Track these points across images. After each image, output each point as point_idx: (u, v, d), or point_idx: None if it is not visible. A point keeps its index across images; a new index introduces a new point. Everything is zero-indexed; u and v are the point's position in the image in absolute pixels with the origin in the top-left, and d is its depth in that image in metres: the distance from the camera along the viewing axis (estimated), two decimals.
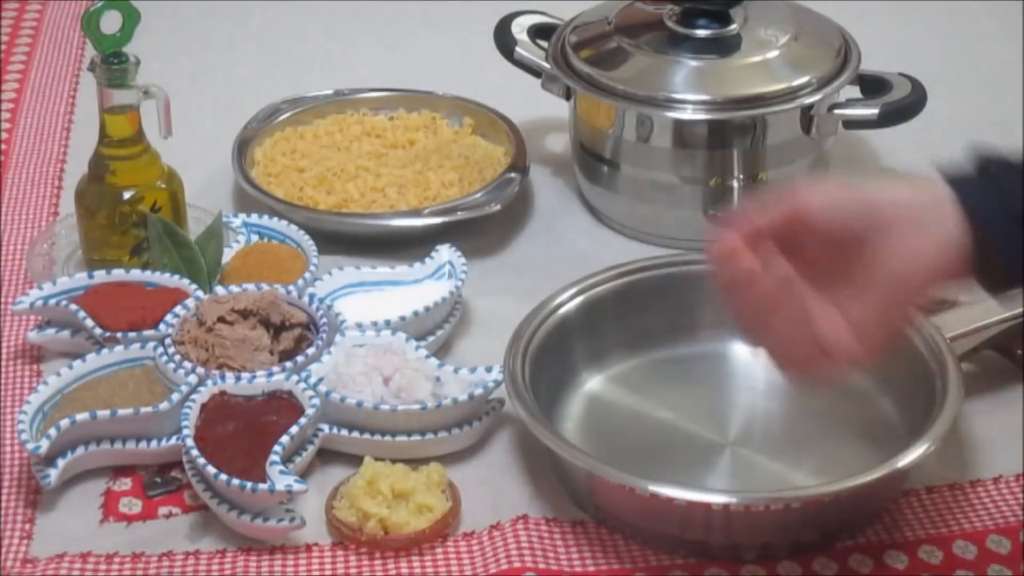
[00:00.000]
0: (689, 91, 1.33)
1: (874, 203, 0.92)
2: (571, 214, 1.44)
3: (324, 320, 1.20)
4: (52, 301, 1.23)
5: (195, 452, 1.08)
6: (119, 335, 1.19)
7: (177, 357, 1.16)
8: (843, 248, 0.93)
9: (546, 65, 1.41)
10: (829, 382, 0.98)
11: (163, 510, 1.10)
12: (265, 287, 1.23)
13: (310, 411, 1.12)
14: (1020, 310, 1.16)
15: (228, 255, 1.30)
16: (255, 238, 1.34)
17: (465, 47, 1.68)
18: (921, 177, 0.94)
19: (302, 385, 1.14)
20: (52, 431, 1.08)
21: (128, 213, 1.27)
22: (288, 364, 1.16)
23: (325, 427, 1.13)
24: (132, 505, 1.11)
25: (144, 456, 1.13)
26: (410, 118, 1.52)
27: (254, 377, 1.15)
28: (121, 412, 1.11)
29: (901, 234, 0.92)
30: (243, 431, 1.11)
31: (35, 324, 1.25)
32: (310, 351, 1.18)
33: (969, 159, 0.94)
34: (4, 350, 1.25)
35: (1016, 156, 0.94)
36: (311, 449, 1.12)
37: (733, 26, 1.37)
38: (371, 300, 1.26)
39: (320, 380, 1.15)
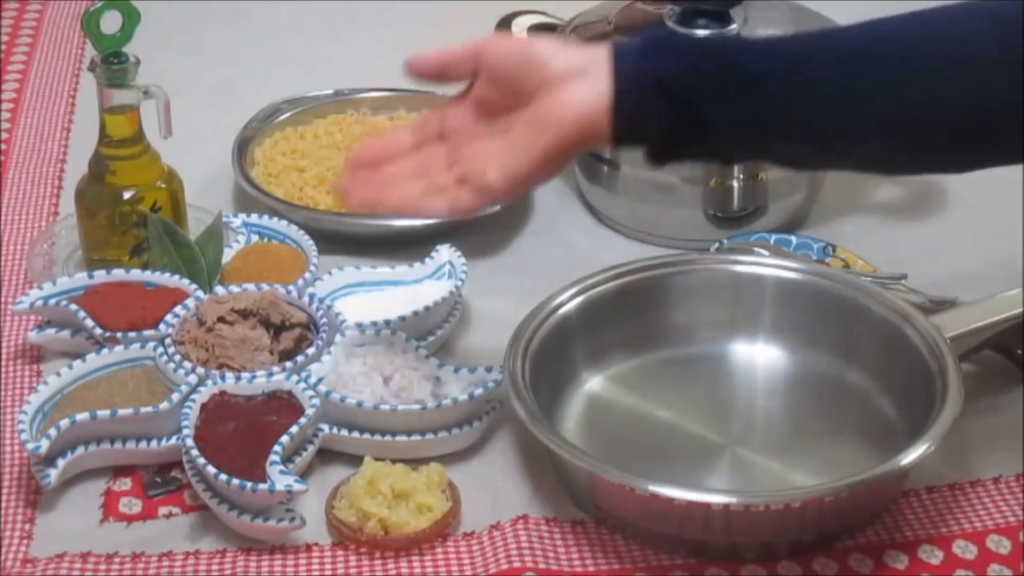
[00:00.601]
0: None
1: (544, 58, 1.03)
2: (571, 214, 1.44)
3: (324, 320, 1.20)
4: (52, 301, 1.23)
5: (195, 452, 1.08)
6: (119, 335, 1.19)
7: (177, 357, 1.16)
8: (510, 91, 1.04)
9: None
10: (463, 214, 1.06)
11: (163, 510, 1.10)
12: (265, 287, 1.23)
13: (310, 411, 1.12)
14: (1020, 310, 1.16)
15: (228, 255, 1.30)
16: (255, 238, 1.34)
17: None
18: (591, 46, 1.05)
19: (302, 385, 1.14)
20: (52, 431, 1.08)
21: (128, 213, 1.27)
22: (288, 364, 1.16)
23: (325, 427, 1.13)
24: (132, 505, 1.11)
25: (144, 456, 1.13)
26: (410, 118, 1.52)
27: (254, 377, 1.15)
28: (121, 412, 1.11)
29: (560, 86, 1.02)
30: (243, 431, 1.11)
31: (35, 324, 1.25)
32: (310, 351, 1.18)
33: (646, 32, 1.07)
34: (4, 350, 1.25)
35: (683, 33, 1.06)
36: (311, 449, 1.12)
37: (733, 26, 1.37)
38: (371, 300, 1.26)
39: (320, 380, 1.15)
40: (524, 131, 1.04)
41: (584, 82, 1.02)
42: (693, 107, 1.02)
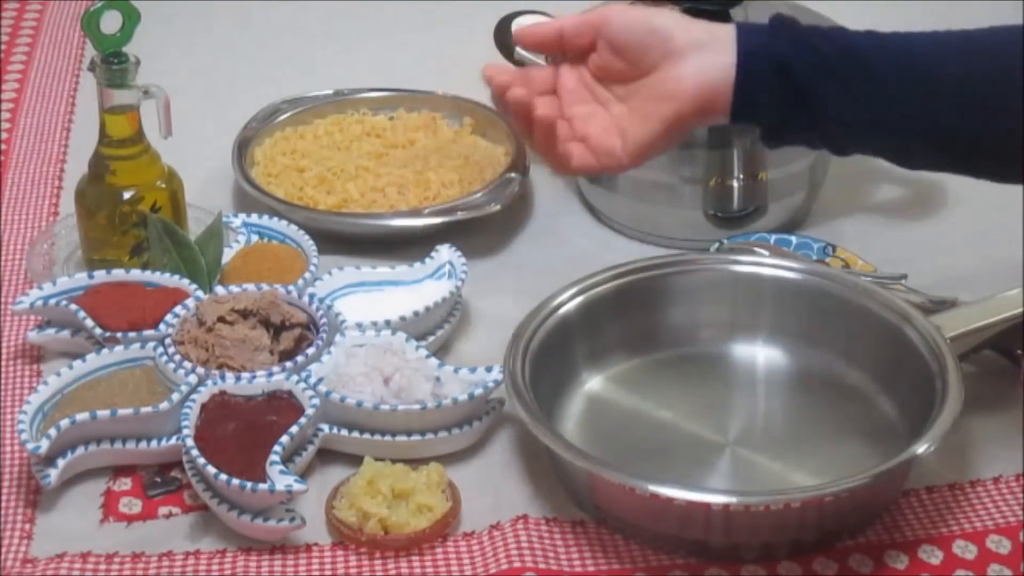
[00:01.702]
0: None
1: (668, 30, 1.05)
2: (571, 214, 1.44)
3: (324, 320, 1.20)
4: (52, 301, 1.23)
5: (195, 452, 1.08)
6: (119, 335, 1.19)
7: (177, 357, 1.16)
8: (632, 61, 1.06)
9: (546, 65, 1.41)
10: (585, 173, 1.11)
11: (163, 510, 1.10)
12: (265, 287, 1.23)
13: (310, 411, 1.12)
14: (1020, 310, 1.16)
15: (228, 255, 1.30)
16: (255, 238, 1.34)
17: (465, 47, 1.68)
18: (715, 23, 1.08)
19: (302, 385, 1.14)
20: (52, 431, 1.08)
21: (128, 213, 1.27)
22: (288, 364, 1.16)
23: (325, 427, 1.13)
24: (132, 505, 1.11)
25: (144, 456, 1.13)
26: (410, 118, 1.52)
27: (254, 377, 1.15)
28: (121, 412, 1.11)
29: (683, 59, 1.05)
30: (243, 431, 1.11)
31: (35, 324, 1.25)
32: (310, 351, 1.18)
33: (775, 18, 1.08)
34: (4, 350, 1.25)
35: (812, 23, 1.07)
36: (311, 449, 1.12)
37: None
38: (371, 300, 1.26)
39: (320, 380, 1.15)
40: (645, 101, 1.06)
41: (707, 56, 1.05)
42: (811, 90, 1.04)
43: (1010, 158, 1.05)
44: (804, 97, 1.05)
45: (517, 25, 1.09)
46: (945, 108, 1.04)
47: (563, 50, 1.09)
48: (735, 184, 1.37)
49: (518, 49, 1.44)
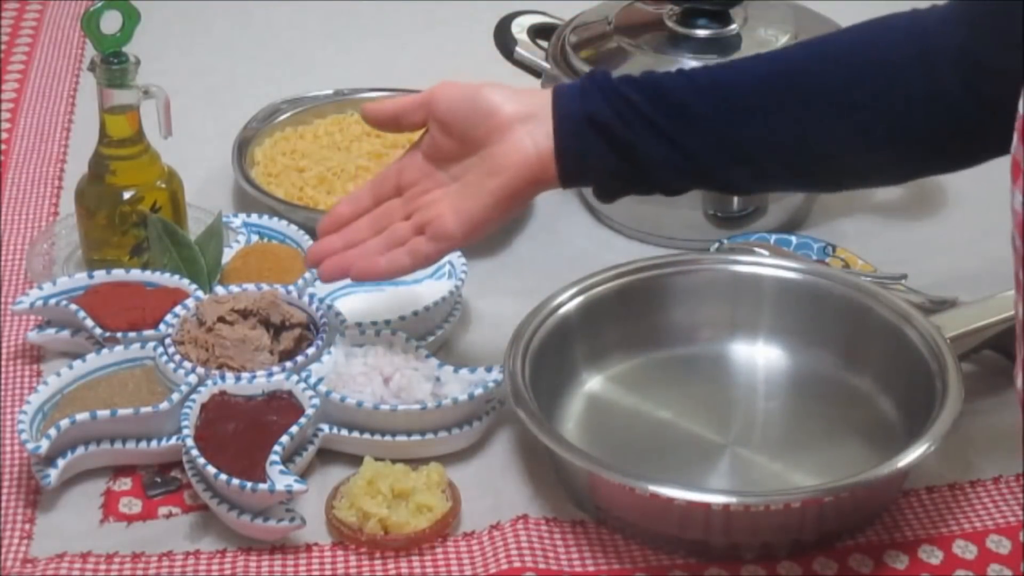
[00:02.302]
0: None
1: (492, 105, 1.08)
2: (571, 214, 1.44)
3: (324, 320, 1.20)
4: (52, 301, 1.23)
5: (195, 452, 1.08)
6: (119, 335, 1.19)
7: (177, 357, 1.16)
8: (461, 138, 1.09)
9: (546, 65, 1.41)
10: (425, 263, 1.11)
11: (163, 510, 1.10)
12: (265, 287, 1.23)
13: (310, 411, 1.12)
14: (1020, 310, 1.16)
15: (228, 255, 1.30)
16: (255, 238, 1.34)
17: (465, 47, 1.68)
18: (537, 90, 1.12)
19: (302, 385, 1.14)
20: (52, 431, 1.08)
21: (128, 213, 1.27)
22: (288, 364, 1.16)
23: (325, 427, 1.13)
24: (132, 505, 1.11)
25: (144, 456, 1.13)
26: None
27: (254, 377, 1.15)
28: (121, 412, 1.11)
29: (508, 132, 1.07)
30: (243, 431, 1.11)
31: (35, 324, 1.25)
32: (310, 351, 1.18)
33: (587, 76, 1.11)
34: (4, 350, 1.25)
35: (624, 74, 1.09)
36: (311, 449, 1.12)
37: (733, 26, 1.37)
38: (371, 300, 1.26)
39: (320, 380, 1.15)
40: (476, 177, 1.08)
41: (531, 126, 1.07)
42: (627, 141, 1.06)
43: (834, 170, 1.10)
44: (622, 148, 1.07)
45: (363, 106, 1.13)
46: (756, 132, 1.07)
47: (400, 129, 1.13)
48: None
49: (518, 49, 1.44)
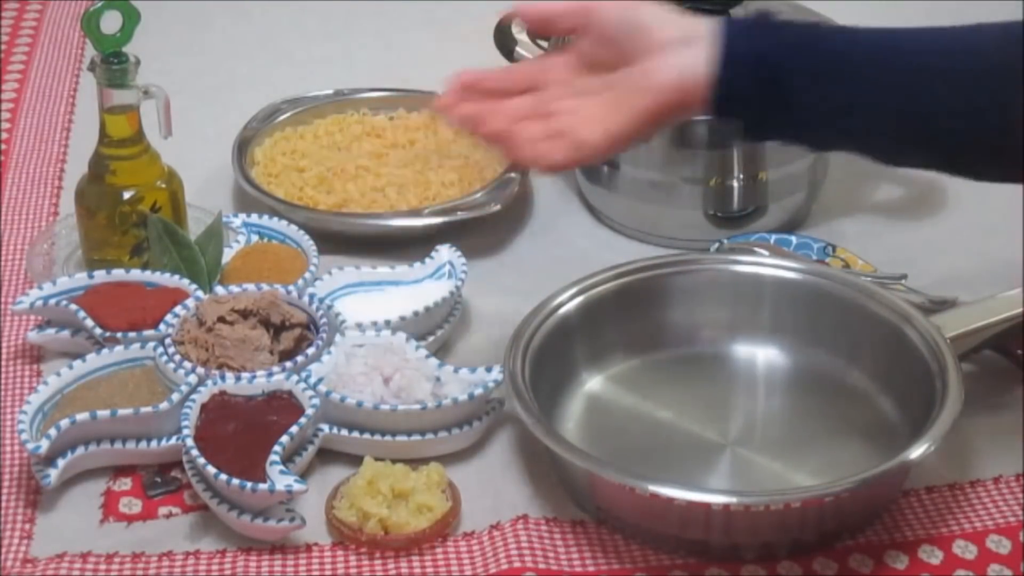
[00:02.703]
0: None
1: (650, 24, 1.06)
2: (571, 214, 1.44)
3: (324, 320, 1.20)
4: (52, 301, 1.23)
5: (195, 452, 1.08)
6: (119, 335, 1.19)
7: (177, 357, 1.16)
8: (616, 52, 1.06)
9: None
10: (553, 168, 1.08)
11: (163, 510, 1.10)
12: (265, 287, 1.23)
13: (310, 411, 1.12)
14: (1020, 310, 1.16)
15: (228, 255, 1.30)
16: (255, 238, 1.34)
17: (465, 47, 1.68)
18: (697, 16, 1.08)
19: (302, 385, 1.14)
20: (52, 431, 1.08)
21: (128, 213, 1.27)
22: (288, 364, 1.16)
23: (325, 427, 1.13)
24: (132, 505, 1.11)
25: (144, 456, 1.13)
26: (410, 118, 1.52)
27: (254, 377, 1.15)
28: (121, 412, 1.11)
29: (663, 52, 1.05)
30: (243, 431, 1.11)
31: (35, 324, 1.25)
32: (310, 351, 1.18)
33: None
34: (4, 350, 1.25)
35: (794, 17, 1.09)
36: (311, 449, 1.12)
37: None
38: (371, 300, 1.26)
39: (320, 380, 1.15)
40: (624, 92, 1.06)
41: (686, 50, 1.05)
42: (785, 85, 1.05)
43: (998, 154, 1.05)
44: (782, 93, 1.05)
45: (518, 4, 1.11)
46: (928, 102, 1.04)
47: (548, 31, 1.12)
48: (735, 184, 1.37)
49: (518, 49, 1.44)
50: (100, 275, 1.25)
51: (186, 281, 1.25)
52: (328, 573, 1.05)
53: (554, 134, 1.06)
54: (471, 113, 1.08)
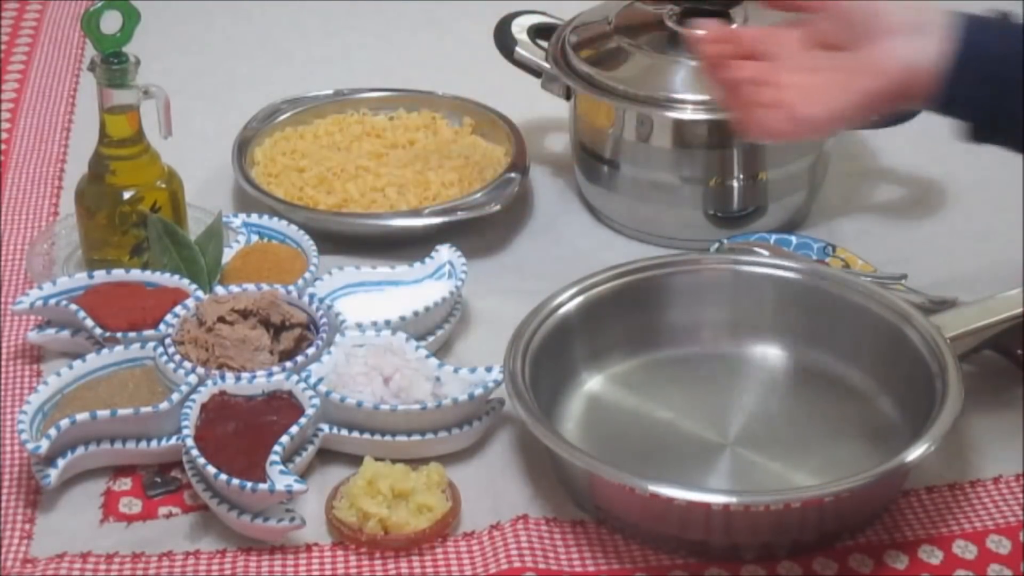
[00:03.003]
0: (689, 91, 1.33)
1: (884, 10, 1.06)
2: (571, 214, 1.44)
3: (324, 320, 1.20)
4: (52, 301, 1.23)
5: (195, 452, 1.08)
6: (119, 335, 1.19)
7: (177, 357, 1.16)
8: (847, 32, 1.06)
9: (546, 65, 1.41)
10: (776, 137, 1.09)
11: (163, 510, 1.10)
12: (265, 287, 1.23)
13: (310, 411, 1.12)
14: (1020, 310, 1.16)
15: (228, 255, 1.30)
16: (255, 238, 1.34)
17: (465, 47, 1.68)
18: (933, 5, 1.07)
19: (302, 385, 1.14)
20: (52, 431, 1.08)
21: (128, 213, 1.27)
22: (288, 364, 1.16)
23: (325, 427, 1.13)
24: (132, 505, 1.11)
25: (144, 456, 1.13)
26: (410, 118, 1.52)
27: (254, 377, 1.15)
28: (121, 412, 1.11)
29: (893, 37, 1.05)
30: (243, 431, 1.11)
31: (35, 324, 1.25)
32: (310, 351, 1.18)
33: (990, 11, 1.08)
34: (4, 350, 1.25)
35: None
36: (311, 449, 1.12)
37: (733, 26, 1.37)
38: (371, 300, 1.26)
39: (320, 380, 1.15)
40: (850, 72, 1.06)
41: (919, 39, 1.04)
42: (1014, 91, 1.04)
43: None
44: (1007, 95, 1.04)
45: None
46: None
47: (792, 7, 1.11)
48: (735, 184, 1.37)
49: (518, 49, 1.44)
50: (100, 275, 1.25)
51: (186, 281, 1.25)
52: (328, 573, 1.05)
53: (776, 103, 1.06)
54: (720, 52, 1.08)
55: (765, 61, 1.08)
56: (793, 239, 1.35)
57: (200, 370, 1.15)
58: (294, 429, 1.09)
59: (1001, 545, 1.06)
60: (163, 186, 1.28)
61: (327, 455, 1.14)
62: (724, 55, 1.08)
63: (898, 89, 1.05)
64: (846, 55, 1.06)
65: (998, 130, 1.07)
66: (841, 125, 1.08)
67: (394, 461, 1.10)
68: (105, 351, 1.18)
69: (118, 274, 1.26)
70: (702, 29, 1.10)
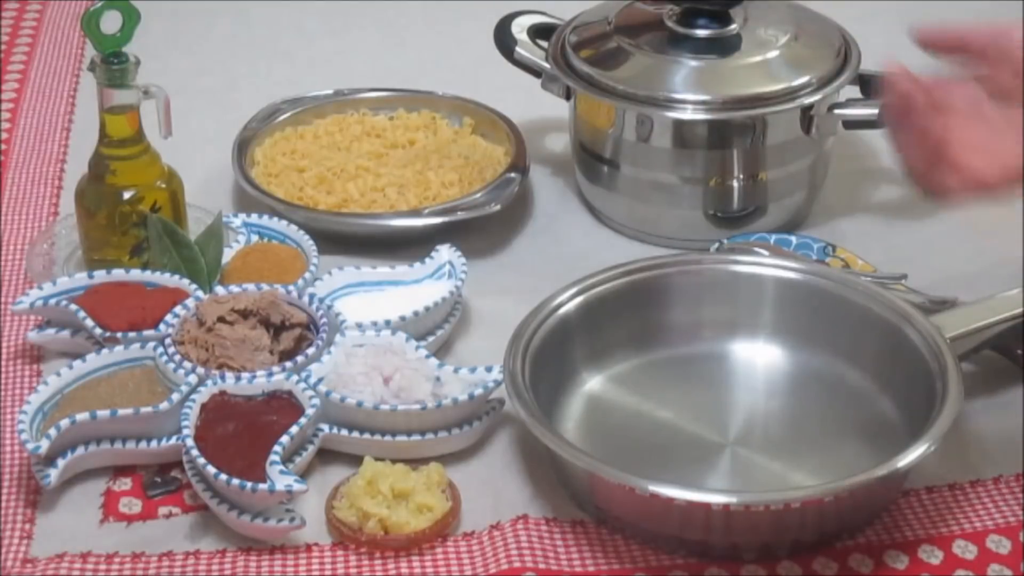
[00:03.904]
0: (689, 91, 1.33)
1: None
2: (571, 214, 1.44)
3: (324, 320, 1.20)
4: (52, 301, 1.23)
5: (195, 452, 1.08)
6: (119, 335, 1.19)
7: (177, 357, 1.16)
8: (1017, 79, 1.01)
9: (546, 65, 1.41)
10: (951, 200, 1.02)
11: (163, 510, 1.10)
12: (265, 287, 1.23)
13: (310, 411, 1.12)
14: (1020, 310, 1.16)
15: (228, 255, 1.30)
16: (255, 238, 1.34)
17: (465, 47, 1.68)
18: None
19: (302, 385, 1.14)
20: (52, 431, 1.08)
21: (128, 213, 1.27)
22: (288, 364, 1.16)
23: (325, 427, 1.13)
24: (132, 505, 1.11)
25: (144, 456, 1.13)
26: (410, 118, 1.52)
27: (254, 377, 1.15)
28: (121, 412, 1.11)
29: None
30: (243, 431, 1.11)
31: (35, 324, 1.25)
32: (310, 351, 1.18)
33: None
34: (4, 350, 1.25)
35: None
36: (311, 449, 1.12)
37: (733, 26, 1.37)
38: (371, 300, 1.26)
39: (320, 380, 1.15)
40: (1014, 121, 1.00)
41: None
42: None
43: None
44: None
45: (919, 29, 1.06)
46: None
47: (963, 53, 1.05)
48: (735, 184, 1.37)
49: (518, 49, 1.44)
50: (100, 275, 1.25)
51: (186, 281, 1.25)
52: (328, 573, 1.05)
53: (955, 165, 1.00)
54: (910, 93, 1.01)
55: (940, 111, 1.01)
56: (793, 239, 1.35)
57: (200, 370, 1.15)
58: (294, 429, 1.09)
59: (1001, 545, 1.06)
60: (163, 186, 1.28)
61: (327, 455, 1.14)
62: (912, 99, 1.01)
63: None
64: (1013, 104, 1.01)
65: None
66: (1018, 181, 1.00)
67: (394, 461, 1.10)
68: (105, 351, 1.18)
69: (118, 274, 1.26)
70: (890, 70, 1.02)
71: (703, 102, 1.33)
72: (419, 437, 1.12)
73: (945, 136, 1.00)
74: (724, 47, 1.37)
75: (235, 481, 1.04)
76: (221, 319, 1.19)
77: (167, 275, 1.25)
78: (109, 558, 1.06)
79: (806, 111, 1.34)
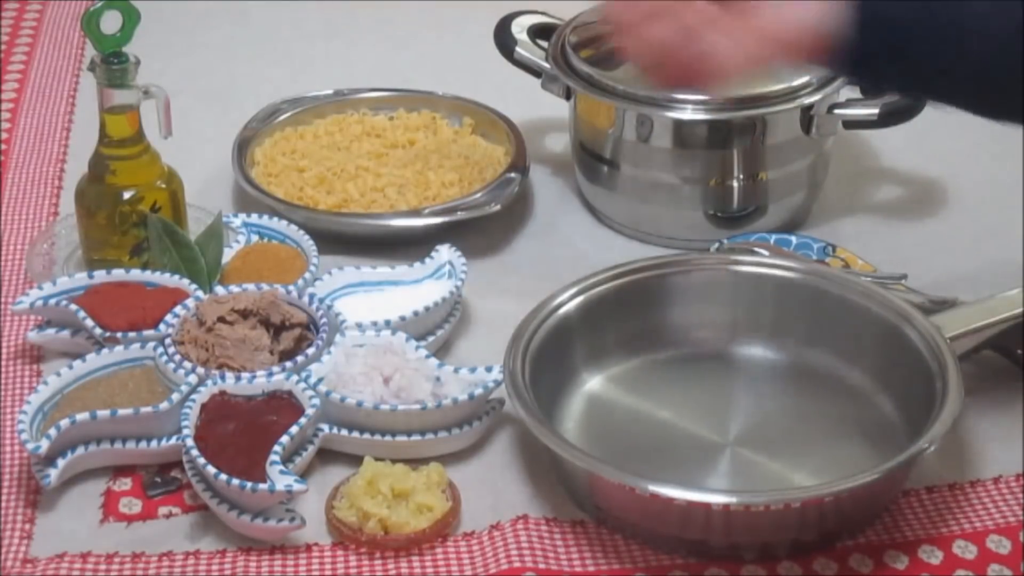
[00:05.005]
0: (689, 91, 1.33)
1: None
2: (571, 214, 1.44)
3: (324, 320, 1.20)
4: (52, 301, 1.23)
5: (195, 452, 1.08)
6: (119, 335, 1.19)
7: (177, 357, 1.16)
8: None
9: (546, 65, 1.41)
10: (694, 86, 1.09)
11: (163, 510, 1.10)
12: (265, 287, 1.23)
13: (310, 411, 1.12)
14: (1020, 310, 1.16)
15: (228, 255, 1.30)
16: (255, 238, 1.34)
17: (465, 47, 1.68)
18: None
19: (302, 385, 1.14)
20: (52, 431, 1.08)
21: (128, 213, 1.27)
22: (288, 364, 1.16)
23: (325, 427, 1.13)
24: (132, 505, 1.11)
25: (144, 456, 1.13)
26: (410, 118, 1.52)
27: (254, 377, 1.15)
28: (121, 412, 1.11)
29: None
30: (243, 431, 1.11)
31: (35, 324, 1.25)
32: (310, 351, 1.18)
33: None
34: (4, 350, 1.25)
35: None
36: (311, 449, 1.12)
37: None
38: (371, 300, 1.26)
39: (320, 380, 1.15)
40: (748, 27, 1.05)
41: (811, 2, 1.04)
42: (912, 51, 1.03)
43: None
44: (908, 59, 1.04)
45: None
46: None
47: None
48: (735, 184, 1.37)
49: (518, 49, 1.44)
50: (100, 275, 1.25)
51: (186, 281, 1.25)
52: (328, 573, 1.05)
53: (699, 57, 1.06)
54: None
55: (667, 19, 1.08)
56: (793, 239, 1.35)
57: (200, 370, 1.15)
58: (294, 429, 1.09)
59: (1001, 545, 1.06)
60: (163, 186, 1.28)
61: (327, 455, 1.14)
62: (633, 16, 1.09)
63: (787, 49, 1.06)
64: (749, 19, 1.05)
65: (890, 86, 1.10)
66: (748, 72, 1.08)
67: (394, 461, 1.10)
68: (105, 351, 1.18)
69: (118, 274, 1.26)
70: None
71: (703, 102, 1.33)
72: (419, 437, 1.12)
73: (689, 23, 1.06)
74: None
75: (235, 481, 1.04)
76: (221, 319, 1.19)
77: (167, 275, 1.25)
78: (109, 558, 1.06)
79: (806, 111, 1.34)
